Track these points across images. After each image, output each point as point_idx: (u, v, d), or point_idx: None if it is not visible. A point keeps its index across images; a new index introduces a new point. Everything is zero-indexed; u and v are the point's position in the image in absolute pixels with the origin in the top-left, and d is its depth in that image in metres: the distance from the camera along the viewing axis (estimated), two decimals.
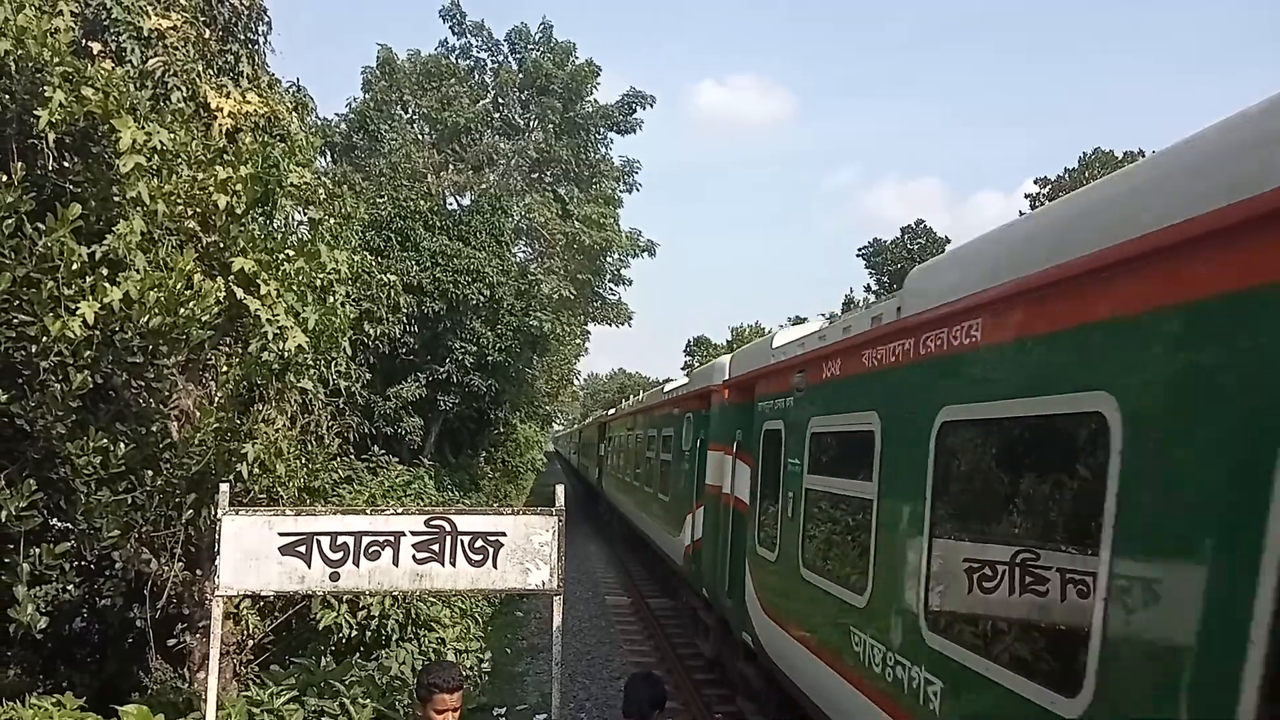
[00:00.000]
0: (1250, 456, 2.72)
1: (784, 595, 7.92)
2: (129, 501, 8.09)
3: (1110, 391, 3.37)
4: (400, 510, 7.47)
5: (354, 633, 9.91)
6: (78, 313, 6.59)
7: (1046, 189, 25.46)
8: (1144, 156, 25.12)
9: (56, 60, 7.11)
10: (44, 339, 6.64)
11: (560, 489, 7.42)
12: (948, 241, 37.28)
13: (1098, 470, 3.40)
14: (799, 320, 48.59)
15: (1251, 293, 2.81)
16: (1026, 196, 26.22)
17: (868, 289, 39.65)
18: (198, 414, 8.16)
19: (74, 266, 6.73)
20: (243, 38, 9.78)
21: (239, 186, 7.78)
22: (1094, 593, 3.36)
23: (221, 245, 7.96)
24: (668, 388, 17.41)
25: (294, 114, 9.76)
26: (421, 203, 23.12)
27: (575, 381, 67.26)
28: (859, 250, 38.88)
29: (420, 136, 30.71)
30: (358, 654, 9.92)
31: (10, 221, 6.75)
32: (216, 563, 6.70)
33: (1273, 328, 2.70)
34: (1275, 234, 2.72)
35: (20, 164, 7.04)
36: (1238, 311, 2.87)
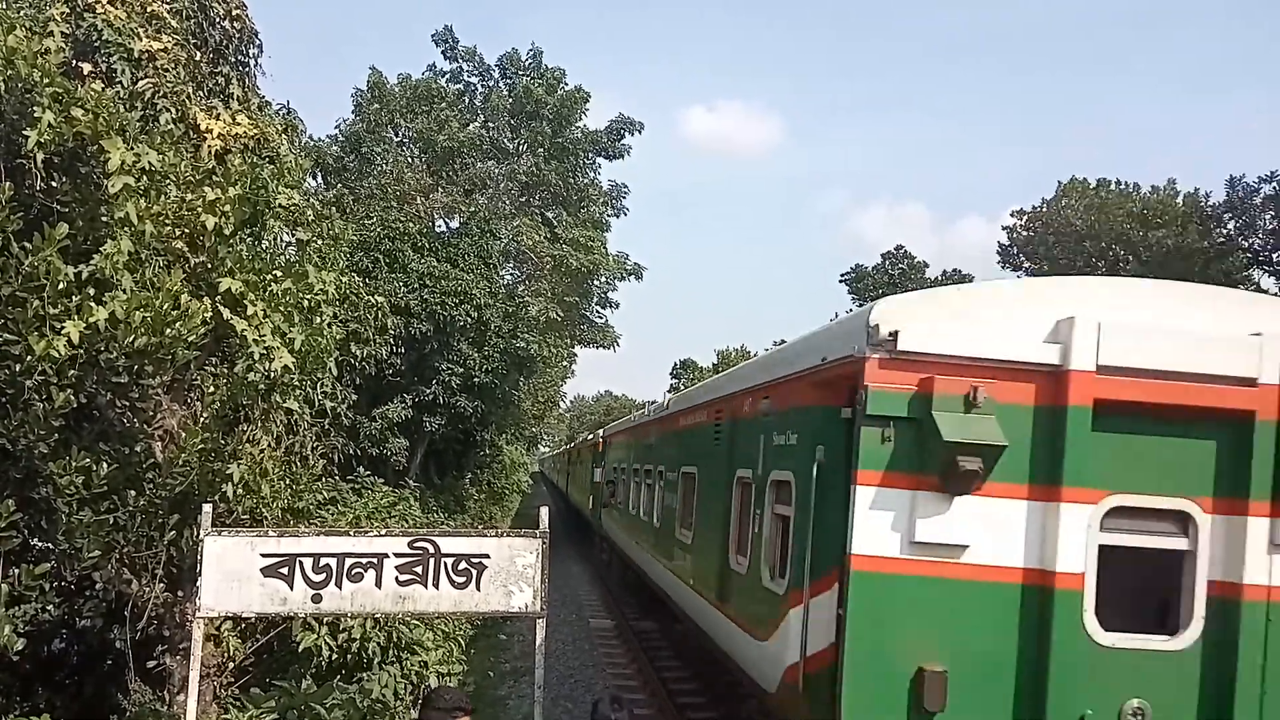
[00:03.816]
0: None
1: None
2: (111, 522, 8.04)
3: None
4: (384, 532, 7.46)
5: (335, 655, 9.84)
6: (63, 332, 6.59)
7: (1023, 220, 25.79)
8: (1118, 184, 25.48)
9: (46, 81, 7.15)
10: (28, 358, 6.63)
11: (544, 511, 7.44)
12: (926, 266, 37.55)
13: None
14: (785, 343, 48.64)
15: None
16: (1004, 228, 26.52)
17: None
18: (182, 434, 8.13)
19: (60, 286, 6.74)
20: (233, 60, 9.85)
21: (227, 207, 7.80)
22: None
23: (209, 266, 7.98)
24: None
25: (283, 136, 9.81)
26: (410, 225, 23.20)
27: (562, 404, 67.21)
28: (842, 276, 39.09)
29: (411, 160, 30.82)
30: (339, 677, 9.85)
31: None
32: (198, 584, 6.68)
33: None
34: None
35: (8, 183, 7.05)
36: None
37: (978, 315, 5.79)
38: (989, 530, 5.60)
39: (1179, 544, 5.71)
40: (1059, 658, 5.43)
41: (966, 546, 5.61)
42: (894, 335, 5.55)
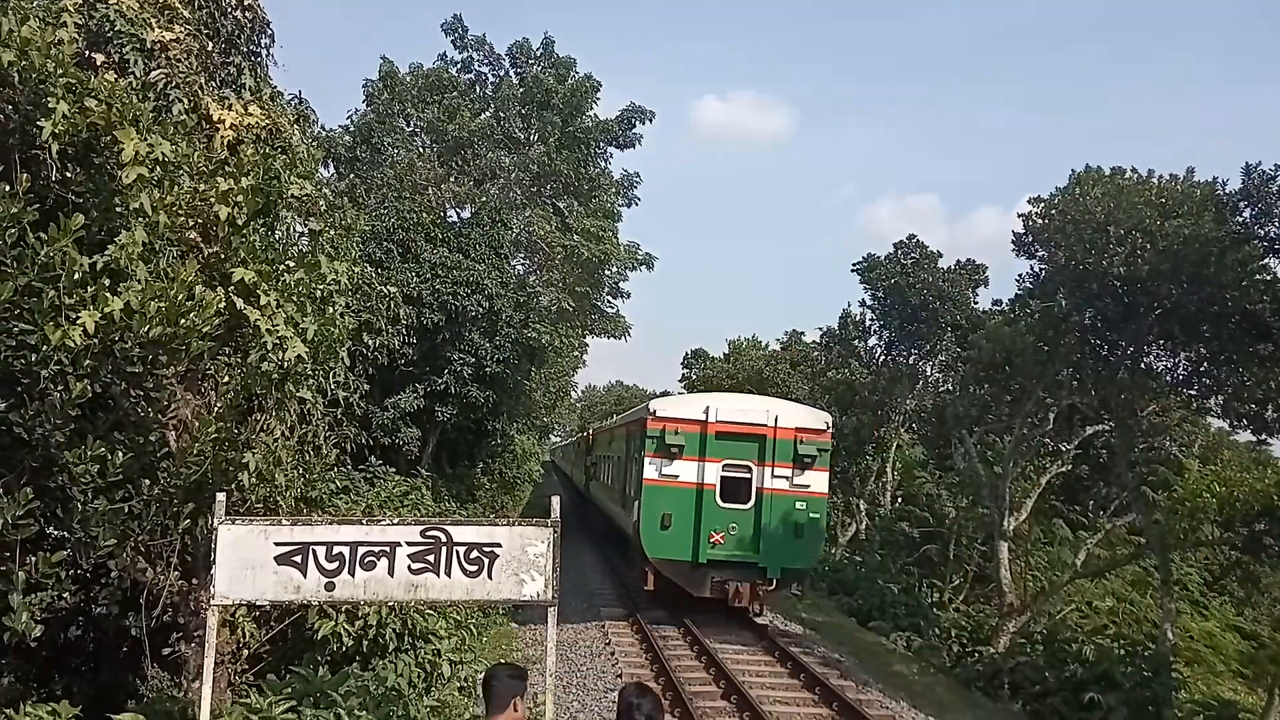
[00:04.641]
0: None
1: None
2: (126, 510, 8.10)
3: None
4: (396, 520, 7.50)
5: (351, 642, 9.90)
6: (78, 322, 6.63)
7: (1040, 207, 25.49)
8: (1134, 172, 25.23)
9: (60, 72, 7.17)
10: (44, 348, 6.68)
11: (555, 500, 7.46)
12: (940, 255, 37.15)
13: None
14: (797, 334, 48.61)
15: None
16: (1020, 216, 26.19)
17: (862, 303, 39.62)
18: (196, 423, 8.18)
19: (75, 276, 6.78)
20: (245, 50, 9.86)
21: (240, 198, 7.83)
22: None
23: (222, 256, 8.01)
24: None
25: (295, 126, 9.83)
26: (423, 215, 23.23)
27: (573, 393, 67.30)
28: (854, 265, 38.72)
29: (422, 149, 30.82)
30: (355, 664, 9.91)
31: (13, 231, 6.80)
32: (212, 572, 6.73)
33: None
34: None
35: (24, 174, 7.09)
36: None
37: (681, 405, 18.23)
38: (684, 470, 16.98)
39: (748, 475, 17.03)
40: (705, 512, 16.81)
41: (678, 475, 16.93)
42: (655, 411, 17.44)
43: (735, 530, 16.87)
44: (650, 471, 16.99)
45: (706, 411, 17.09)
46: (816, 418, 17.79)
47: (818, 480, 17.23)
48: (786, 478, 16.96)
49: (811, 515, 17.06)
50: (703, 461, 16.90)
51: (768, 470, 16.92)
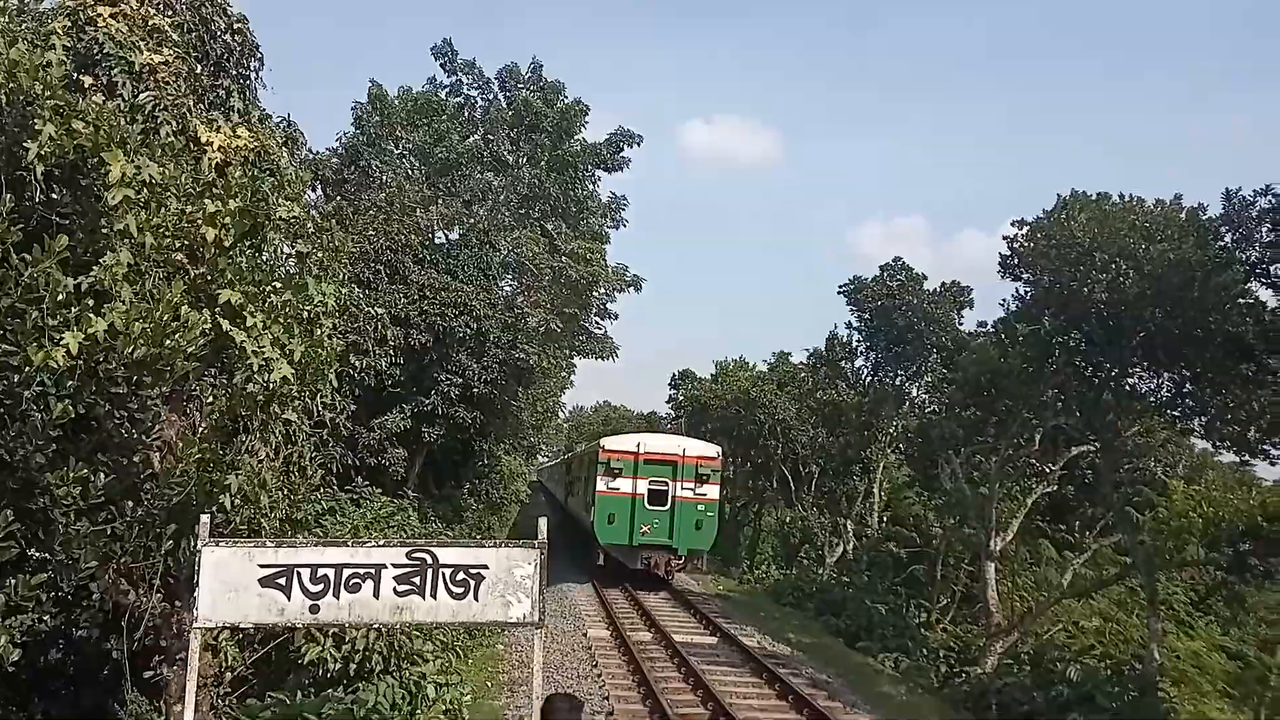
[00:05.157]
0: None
1: None
2: (108, 532, 8.05)
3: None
4: (382, 542, 7.46)
5: (337, 666, 9.82)
6: (62, 343, 6.61)
7: (1024, 230, 25.64)
8: (1121, 197, 25.50)
9: (48, 94, 7.19)
10: (27, 369, 6.65)
11: (543, 522, 7.44)
12: (925, 278, 37.25)
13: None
14: (784, 355, 48.72)
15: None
16: (1004, 238, 26.33)
17: (849, 325, 39.70)
18: (180, 445, 8.15)
19: (59, 297, 6.76)
20: (234, 73, 9.90)
21: (227, 220, 7.84)
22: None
23: (209, 277, 8.00)
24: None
25: (283, 148, 9.85)
26: (411, 236, 23.26)
27: (560, 414, 67.10)
28: (840, 287, 38.77)
29: (411, 171, 30.84)
30: (340, 687, 9.83)
31: None
32: (195, 594, 6.68)
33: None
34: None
35: (9, 195, 7.08)
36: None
37: (622, 441, 27.71)
38: (624, 484, 26.18)
39: (666, 488, 26.24)
40: (637, 512, 25.96)
41: (620, 488, 26.12)
42: (604, 445, 27.32)
43: (657, 524, 25.72)
44: (601, 486, 25.89)
45: (638, 445, 26.61)
46: (710, 448, 27.73)
47: (712, 490, 26.79)
48: (691, 489, 26.12)
49: (708, 514, 26.50)
50: (635, 479, 25.97)
51: (679, 484, 26.07)
